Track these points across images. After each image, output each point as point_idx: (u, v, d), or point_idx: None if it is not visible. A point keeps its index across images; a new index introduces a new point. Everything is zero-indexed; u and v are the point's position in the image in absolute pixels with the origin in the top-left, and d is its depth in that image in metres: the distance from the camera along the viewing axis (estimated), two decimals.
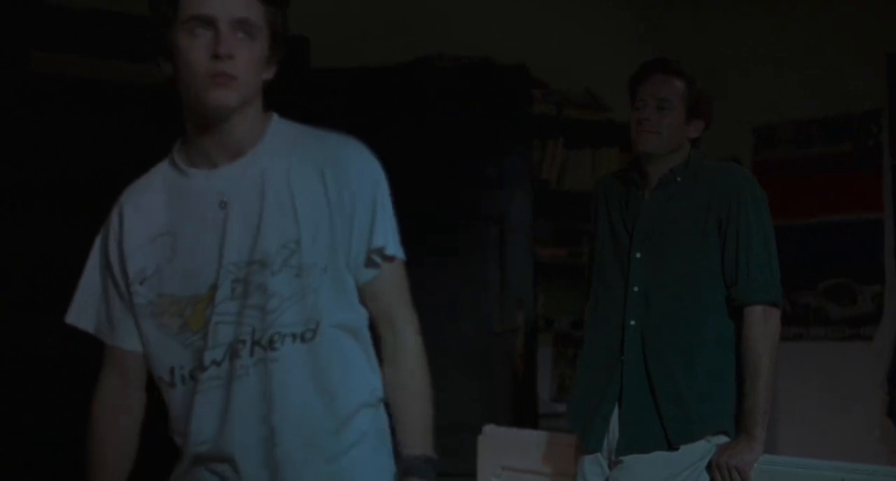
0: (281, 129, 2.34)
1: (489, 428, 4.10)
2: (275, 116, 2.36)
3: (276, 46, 2.34)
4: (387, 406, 2.33)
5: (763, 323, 3.11)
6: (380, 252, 2.28)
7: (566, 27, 5.38)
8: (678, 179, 3.21)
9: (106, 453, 2.40)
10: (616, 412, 3.11)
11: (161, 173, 2.34)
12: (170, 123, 5.51)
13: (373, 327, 2.29)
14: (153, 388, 2.36)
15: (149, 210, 2.29)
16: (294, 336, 2.16)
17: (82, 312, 2.41)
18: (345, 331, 2.23)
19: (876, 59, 4.84)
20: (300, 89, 4.66)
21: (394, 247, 2.33)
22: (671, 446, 3.06)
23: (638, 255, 3.17)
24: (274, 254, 2.15)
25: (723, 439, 3.10)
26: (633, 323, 3.12)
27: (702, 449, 3.09)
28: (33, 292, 4.27)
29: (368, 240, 2.27)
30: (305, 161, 2.25)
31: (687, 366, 3.11)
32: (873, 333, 4.81)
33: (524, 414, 4.52)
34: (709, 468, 3.08)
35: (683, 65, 3.32)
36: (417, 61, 4.74)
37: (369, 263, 2.27)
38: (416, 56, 4.74)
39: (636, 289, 3.15)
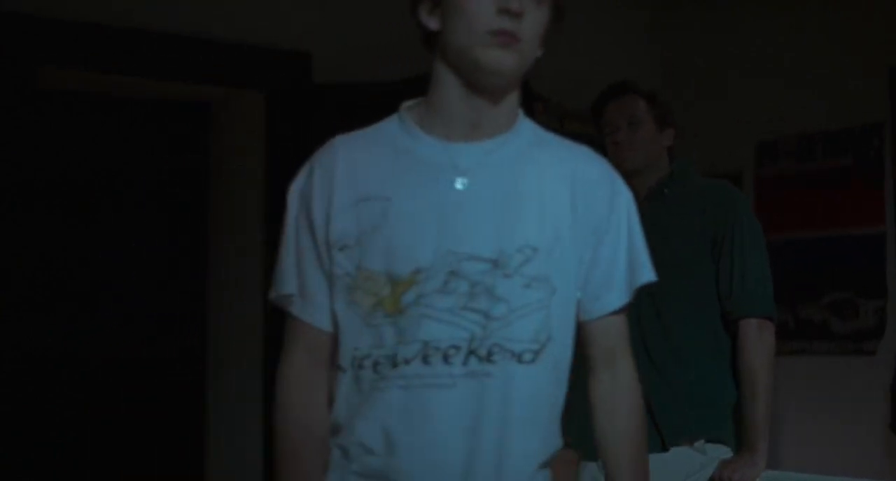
0: (530, 124, 2.10)
1: None
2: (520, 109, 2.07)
3: (556, 22, 2.08)
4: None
5: (758, 336, 3.13)
6: (636, 285, 2.02)
7: (568, 41, 5.37)
8: (665, 191, 3.25)
9: (305, 441, 1.97)
10: None
11: (385, 131, 2.08)
12: (176, 138, 5.53)
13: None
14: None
15: (365, 167, 2.00)
16: (514, 354, 1.86)
17: (282, 281, 2.07)
18: (560, 364, 1.95)
19: (878, 72, 4.84)
20: (302, 104, 4.66)
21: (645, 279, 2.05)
22: (664, 447, 3.08)
23: None
24: (511, 256, 1.87)
25: (721, 449, 3.11)
26: None
27: (699, 459, 3.09)
28: (33, 292, 4.27)
29: (629, 272, 2.01)
30: (556, 166, 1.99)
31: (681, 375, 3.13)
32: (876, 347, 4.79)
33: None
34: None
35: (646, 82, 3.46)
36: (418, 77, 4.73)
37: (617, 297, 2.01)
38: (418, 72, 4.74)
39: None
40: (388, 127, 2.09)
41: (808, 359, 4.92)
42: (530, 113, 4.96)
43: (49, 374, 5.24)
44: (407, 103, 2.11)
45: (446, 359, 1.84)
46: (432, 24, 2.00)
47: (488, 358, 1.84)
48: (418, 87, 4.91)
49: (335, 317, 1.95)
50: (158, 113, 5.27)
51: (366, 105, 4.67)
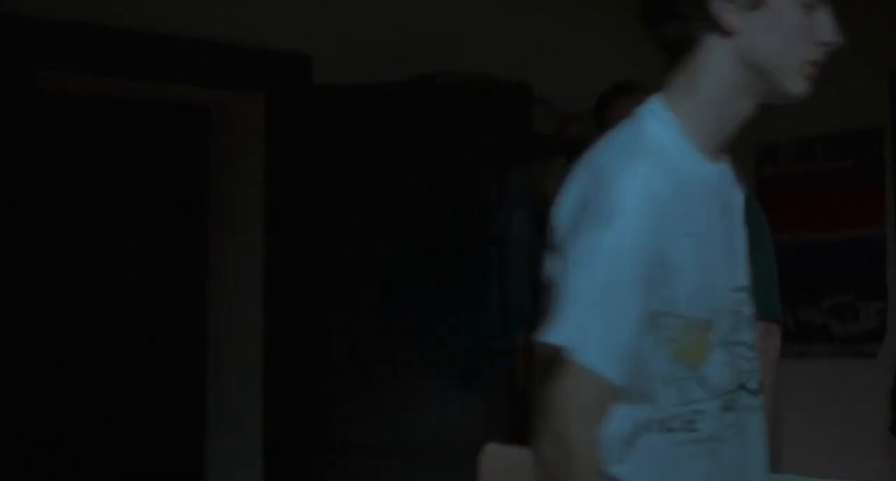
0: None
1: (491, 448, 4.08)
2: None
3: None
4: None
5: (767, 338, 3.12)
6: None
7: (568, 44, 5.38)
8: None
9: None
10: None
11: (668, 146, 1.81)
12: (176, 140, 5.52)
13: None
14: None
15: (674, 195, 1.73)
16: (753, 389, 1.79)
17: (606, 351, 1.69)
18: None
19: (879, 76, 4.84)
20: (302, 105, 4.66)
21: None
22: None
23: None
24: (747, 280, 1.83)
25: None
26: None
27: None
28: (33, 292, 4.26)
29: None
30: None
31: None
32: (877, 350, 4.80)
33: (525, 434, 4.51)
34: None
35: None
36: (418, 78, 4.73)
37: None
38: (417, 73, 4.74)
39: None
40: (669, 140, 1.83)
41: (809, 361, 4.92)
42: (530, 116, 5.00)
43: (45, 373, 5.23)
44: (657, 102, 1.89)
45: (733, 405, 1.74)
46: (734, 20, 1.78)
47: (755, 393, 1.77)
48: (417, 88, 4.94)
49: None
50: (158, 115, 5.26)
51: (366, 106, 4.69)
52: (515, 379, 4.59)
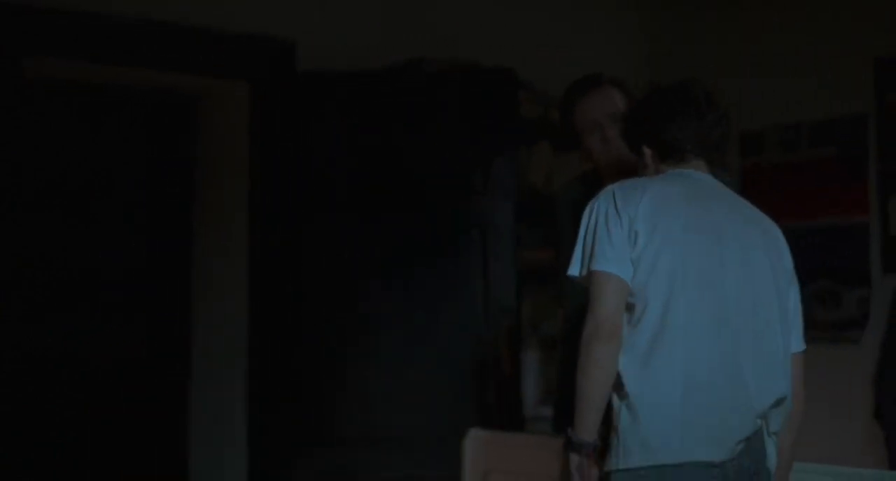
0: None
1: (474, 432, 4.09)
2: None
3: None
4: None
5: None
6: None
7: (553, 29, 5.38)
8: None
9: None
10: None
11: None
12: (161, 126, 5.48)
13: None
14: None
15: None
16: None
17: None
18: None
19: (863, 64, 4.85)
20: (286, 93, 4.65)
21: None
22: None
23: None
24: None
25: None
26: None
27: None
28: (14, 285, 4.25)
29: None
30: None
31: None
32: (859, 337, 4.81)
33: (510, 419, 4.52)
34: None
35: (631, 72, 3.31)
36: (403, 65, 4.73)
37: None
38: (402, 60, 4.74)
39: None
40: None
41: None
42: (515, 102, 5.00)
43: (49, 374, 5.22)
44: None
45: None
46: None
47: None
48: (402, 75, 4.93)
49: None
50: (143, 101, 5.25)
51: (350, 93, 4.68)
52: (500, 366, 4.60)
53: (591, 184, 3.28)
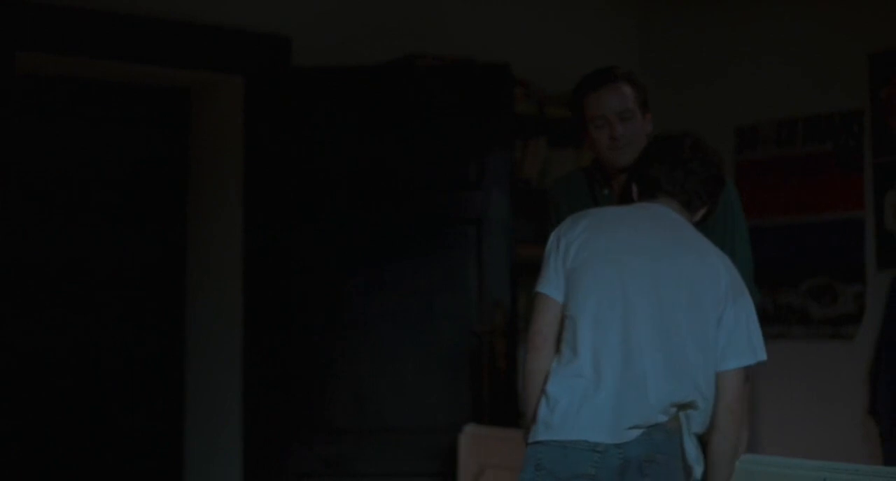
0: None
1: (470, 428, 4.10)
2: None
3: None
4: None
5: None
6: None
7: (547, 25, 5.37)
8: None
9: None
10: None
11: None
12: (155, 121, 5.46)
13: None
14: None
15: None
16: None
17: None
18: None
19: (858, 59, 4.85)
20: (281, 88, 4.65)
21: None
22: None
23: None
24: None
25: None
26: None
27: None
28: (24, 288, 4.24)
29: None
30: None
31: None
32: (855, 332, 4.81)
33: (504, 414, 4.52)
34: None
35: (625, 67, 3.33)
36: (398, 61, 4.72)
37: None
38: (397, 55, 4.73)
39: None
40: None
41: (787, 343, 4.94)
42: (510, 97, 5.00)
43: (49, 374, 5.22)
44: None
45: None
46: None
47: None
48: (397, 71, 4.94)
49: None
50: (137, 96, 5.23)
51: (345, 89, 4.68)
52: (495, 360, 4.60)
53: (591, 176, 3.29)
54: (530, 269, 5.10)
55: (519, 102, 4.93)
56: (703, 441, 2.88)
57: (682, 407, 2.82)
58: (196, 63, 4.62)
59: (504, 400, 4.58)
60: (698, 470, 2.88)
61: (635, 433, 2.77)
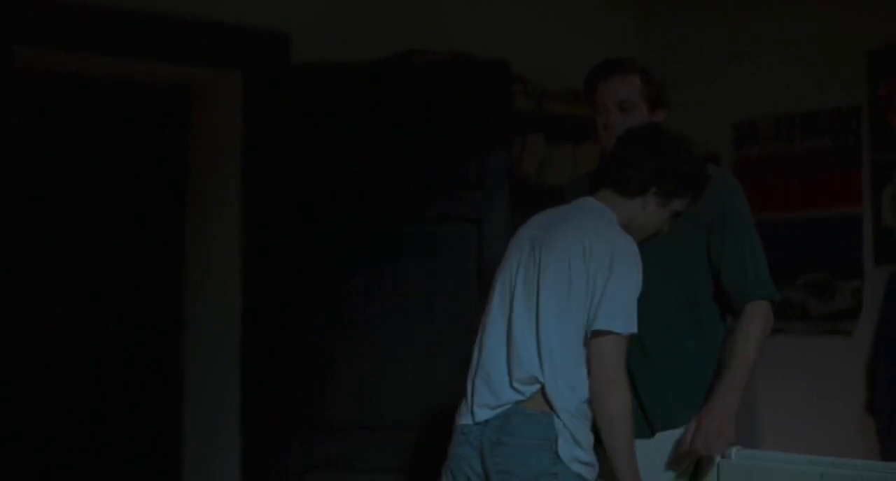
0: None
1: None
2: None
3: None
4: None
5: (765, 317, 3.15)
6: None
7: (546, 21, 5.38)
8: None
9: None
10: None
11: None
12: (154, 118, 5.45)
13: None
14: None
15: None
16: None
17: None
18: None
19: (856, 55, 4.86)
20: (280, 84, 4.65)
21: None
22: (652, 433, 3.10)
23: None
24: None
25: None
26: None
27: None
28: (23, 289, 4.23)
29: None
30: None
31: (668, 362, 3.15)
32: (853, 328, 4.82)
33: None
34: None
35: (642, 59, 3.34)
36: (397, 57, 4.73)
37: None
38: (395, 52, 4.74)
39: None
40: None
41: (785, 338, 4.94)
42: (509, 94, 5.00)
43: (49, 374, 5.21)
44: None
45: None
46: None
47: None
48: (396, 67, 4.93)
49: None
50: (137, 96, 5.24)
51: (344, 85, 4.68)
52: None
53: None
54: None
55: (517, 98, 4.94)
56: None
57: (527, 382, 2.97)
58: (195, 59, 4.62)
59: None
60: (583, 456, 2.92)
61: (488, 413, 3.00)
